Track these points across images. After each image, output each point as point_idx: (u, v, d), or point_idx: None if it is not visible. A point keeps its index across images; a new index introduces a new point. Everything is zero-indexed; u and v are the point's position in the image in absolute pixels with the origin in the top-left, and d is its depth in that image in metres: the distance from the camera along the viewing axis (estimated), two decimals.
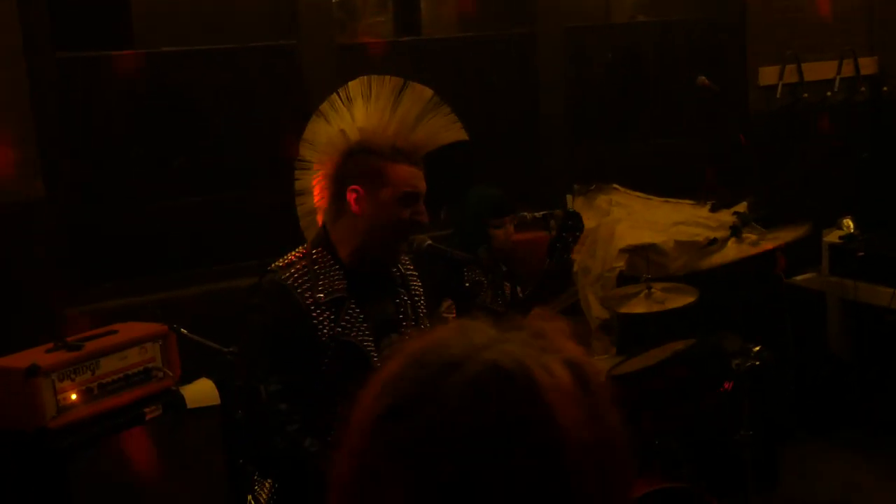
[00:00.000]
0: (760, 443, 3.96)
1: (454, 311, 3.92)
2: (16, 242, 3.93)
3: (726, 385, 3.65)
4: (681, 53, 5.58)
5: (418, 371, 0.95)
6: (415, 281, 2.85)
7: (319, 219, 2.75)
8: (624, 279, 4.45)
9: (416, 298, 2.82)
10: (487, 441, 0.89)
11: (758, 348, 3.84)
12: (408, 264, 2.86)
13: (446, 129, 2.77)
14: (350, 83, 2.71)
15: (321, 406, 2.52)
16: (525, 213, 4.45)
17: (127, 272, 4.29)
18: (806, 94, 5.61)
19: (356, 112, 2.68)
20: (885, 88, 5.86)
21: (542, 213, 4.43)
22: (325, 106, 2.71)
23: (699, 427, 3.89)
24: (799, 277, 5.17)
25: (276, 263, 2.64)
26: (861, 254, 4.93)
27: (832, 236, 5.13)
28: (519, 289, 4.19)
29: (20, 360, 3.26)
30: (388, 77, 2.72)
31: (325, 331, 2.53)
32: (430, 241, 2.91)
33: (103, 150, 4.35)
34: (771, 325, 4.63)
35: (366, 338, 2.60)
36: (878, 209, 5.50)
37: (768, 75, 5.59)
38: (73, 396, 3.29)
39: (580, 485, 0.91)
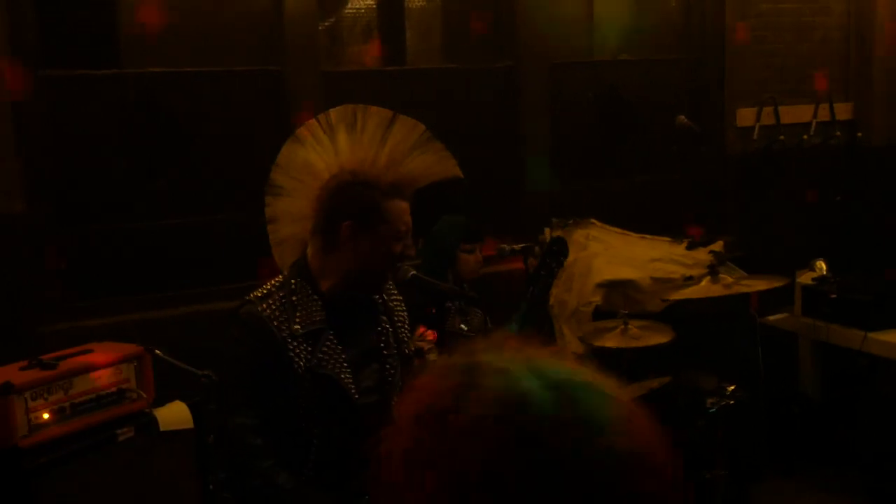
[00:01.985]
0: (733, 481, 3.95)
1: (427, 339, 3.90)
2: None
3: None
4: (662, 92, 5.63)
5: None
6: (399, 307, 2.80)
7: (296, 248, 2.68)
8: (600, 314, 4.44)
9: (399, 325, 2.77)
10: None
11: (732, 387, 3.84)
12: (392, 291, 2.81)
13: (439, 165, 2.72)
14: (332, 111, 2.64)
15: (298, 438, 2.48)
16: (504, 246, 4.46)
17: (105, 291, 4.24)
18: (782, 137, 5.66)
19: (340, 142, 2.61)
20: (859, 134, 5.93)
21: (521, 245, 4.45)
22: (301, 131, 2.64)
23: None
24: (772, 318, 5.20)
25: (255, 293, 2.57)
26: (833, 296, 4.96)
27: (805, 278, 5.16)
28: (487, 319, 4.18)
29: None
30: (374, 108, 2.66)
31: (302, 363, 2.47)
32: (414, 272, 2.88)
33: (86, 168, 4.32)
34: (744, 364, 4.63)
35: (343, 370, 2.54)
36: (851, 252, 5.55)
37: (746, 117, 5.65)
38: (46, 415, 3.24)
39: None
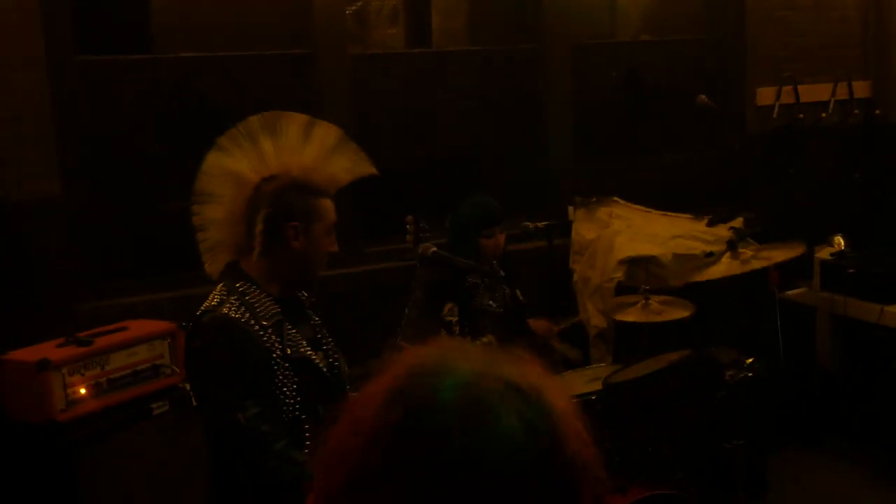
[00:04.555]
0: (751, 452, 3.88)
1: (456, 314, 3.84)
2: (32, 238, 3.87)
3: None
4: (682, 72, 5.52)
5: (425, 382, 0.92)
6: (315, 306, 2.82)
7: (225, 254, 2.64)
8: (622, 290, 4.37)
9: (321, 320, 2.80)
10: (498, 458, 0.86)
11: (750, 360, 3.76)
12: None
13: (356, 164, 2.75)
14: (252, 118, 2.63)
15: (291, 427, 2.46)
16: (528, 224, 4.39)
17: (140, 270, 4.22)
18: (801, 115, 5.54)
19: (265, 148, 2.60)
20: (877, 111, 5.79)
21: (544, 223, 4.38)
22: (224, 140, 2.61)
23: (692, 436, 3.81)
24: (791, 292, 5.10)
25: (206, 305, 2.52)
26: (851, 271, 4.86)
27: (824, 253, 5.06)
28: (518, 292, 4.11)
29: (32, 353, 3.21)
30: (293, 113, 2.68)
31: (278, 352, 2.47)
32: (434, 249, 2.87)
33: (119, 150, 4.29)
34: (763, 338, 4.55)
35: (311, 353, 2.57)
36: (869, 227, 5.44)
37: (766, 96, 5.53)
38: (83, 390, 3.23)
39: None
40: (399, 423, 0.89)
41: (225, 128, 2.65)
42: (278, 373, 2.45)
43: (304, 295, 2.77)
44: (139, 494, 3.35)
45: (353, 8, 4.88)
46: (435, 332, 3.67)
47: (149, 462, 3.37)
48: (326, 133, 2.68)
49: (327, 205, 2.62)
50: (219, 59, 4.43)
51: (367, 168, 2.78)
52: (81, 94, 4.07)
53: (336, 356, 2.72)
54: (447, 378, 0.91)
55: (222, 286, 2.56)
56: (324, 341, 2.71)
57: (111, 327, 3.51)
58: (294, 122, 2.65)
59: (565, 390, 0.95)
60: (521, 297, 4.11)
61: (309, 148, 2.64)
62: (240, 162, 2.59)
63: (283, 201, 2.55)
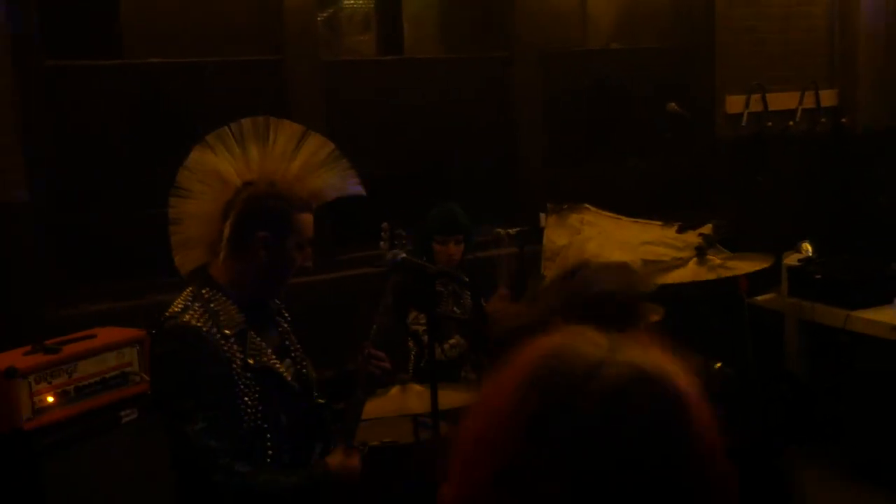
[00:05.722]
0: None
1: (422, 322, 3.83)
2: (0, 245, 3.81)
3: None
4: (652, 80, 5.54)
5: (558, 375, 0.90)
6: (286, 311, 2.78)
7: (197, 251, 2.59)
8: None
9: (290, 326, 2.76)
10: (635, 446, 0.86)
11: (719, 365, 3.78)
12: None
13: (345, 181, 2.68)
14: (244, 121, 2.57)
15: (252, 437, 2.43)
16: (500, 230, 4.39)
17: (108, 277, 4.17)
18: (770, 123, 5.58)
19: (251, 152, 2.54)
20: (843, 120, 5.85)
21: (516, 230, 4.37)
22: (212, 138, 2.55)
23: None
24: (760, 298, 5.13)
25: (171, 310, 2.48)
26: (818, 277, 4.90)
27: (791, 259, 5.10)
28: (482, 299, 4.09)
29: None
30: (286, 122, 2.62)
31: (238, 362, 2.43)
32: (403, 255, 2.85)
33: (88, 157, 4.24)
34: (732, 343, 4.57)
35: (276, 362, 2.53)
36: (836, 234, 5.49)
37: (735, 104, 5.57)
38: (50, 399, 3.18)
39: (710, 488, 0.89)
40: (538, 413, 0.88)
41: (195, 134, 2.61)
42: (239, 383, 2.40)
43: (276, 301, 2.73)
44: (107, 503, 3.30)
45: (325, 14, 4.86)
46: (401, 339, 3.67)
47: (117, 471, 3.33)
48: (318, 146, 2.61)
49: (305, 219, 2.54)
50: (189, 64, 4.39)
51: (353, 187, 2.70)
52: (50, 100, 4.02)
53: (304, 363, 2.68)
54: (578, 365, 0.90)
55: (189, 291, 2.52)
56: (291, 348, 2.67)
57: (79, 335, 3.46)
58: (286, 130, 2.58)
59: (687, 373, 0.93)
60: (483, 304, 4.10)
61: (296, 159, 2.56)
62: (224, 162, 2.53)
63: (256, 209, 2.49)
